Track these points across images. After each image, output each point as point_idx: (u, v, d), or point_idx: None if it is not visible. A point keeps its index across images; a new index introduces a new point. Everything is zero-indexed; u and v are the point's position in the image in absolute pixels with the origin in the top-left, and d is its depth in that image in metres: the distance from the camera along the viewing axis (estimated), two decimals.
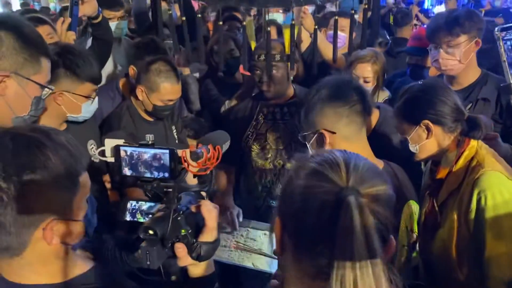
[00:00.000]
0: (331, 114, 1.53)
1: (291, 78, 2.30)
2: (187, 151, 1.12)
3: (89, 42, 2.58)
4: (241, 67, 2.93)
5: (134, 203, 1.20)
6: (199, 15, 1.76)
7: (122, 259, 1.36)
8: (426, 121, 1.56)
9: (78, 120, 1.89)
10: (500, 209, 1.43)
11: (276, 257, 1.94)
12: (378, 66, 2.46)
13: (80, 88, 1.81)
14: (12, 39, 1.31)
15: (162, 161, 1.12)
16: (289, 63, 2.07)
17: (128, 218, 1.21)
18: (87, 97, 1.83)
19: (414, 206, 1.57)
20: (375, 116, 2.13)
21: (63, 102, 1.79)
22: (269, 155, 2.26)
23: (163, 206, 1.13)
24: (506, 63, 1.63)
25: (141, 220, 1.21)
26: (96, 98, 1.90)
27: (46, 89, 1.43)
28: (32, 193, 0.88)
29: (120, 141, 1.17)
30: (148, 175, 1.14)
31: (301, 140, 1.66)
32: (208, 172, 1.11)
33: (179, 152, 1.11)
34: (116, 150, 1.15)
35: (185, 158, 1.11)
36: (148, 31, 2.90)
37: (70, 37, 2.17)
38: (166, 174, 1.13)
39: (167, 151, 1.11)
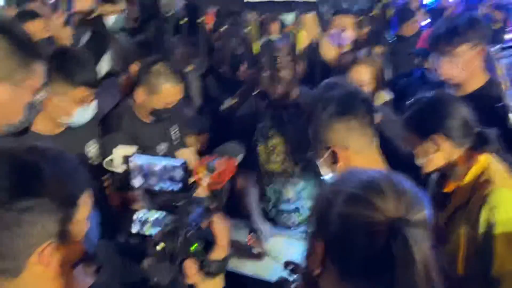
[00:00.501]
0: (342, 129, 1.48)
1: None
2: (201, 163, 1.09)
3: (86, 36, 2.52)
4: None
5: (141, 214, 1.17)
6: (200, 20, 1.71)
7: (127, 269, 1.33)
8: (435, 136, 1.53)
9: (74, 125, 1.83)
10: (509, 226, 1.42)
11: (278, 262, 1.93)
12: (375, 68, 2.43)
13: (72, 92, 1.74)
14: (4, 43, 1.26)
15: (173, 173, 1.09)
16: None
17: (135, 230, 1.18)
18: (79, 102, 1.77)
19: None
20: None
21: (55, 105, 1.74)
22: (278, 158, 2.23)
23: (172, 218, 1.11)
24: (503, 83, 1.59)
25: (149, 232, 1.18)
26: (93, 103, 1.83)
27: (39, 94, 1.38)
28: (28, 219, 0.85)
29: (131, 151, 1.14)
30: (158, 186, 1.11)
31: (311, 159, 1.62)
32: (222, 186, 1.09)
33: (192, 164, 1.08)
34: (126, 160, 1.12)
35: (197, 171, 1.09)
36: (150, 20, 2.86)
37: (66, 33, 2.11)
38: (178, 187, 1.10)
39: (180, 163, 1.09)
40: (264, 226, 2.15)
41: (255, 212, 2.18)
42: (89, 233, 1.00)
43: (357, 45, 2.69)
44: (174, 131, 2.33)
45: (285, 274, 1.78)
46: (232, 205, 2.27)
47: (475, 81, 2.09)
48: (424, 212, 0.83)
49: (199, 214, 1.12)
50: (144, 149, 2.12)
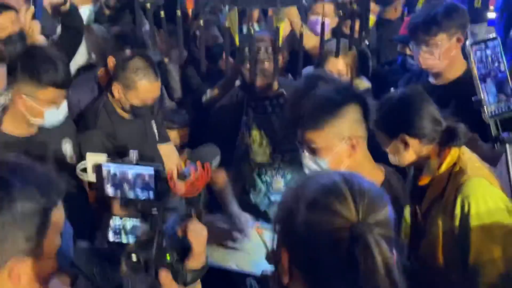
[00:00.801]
0: (356, 117, 1.50)
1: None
2: (174, 170, 1.07)
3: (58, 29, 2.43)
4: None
5: (117, 220, 1.14)
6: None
7: (105, 275, 1.32)
8: (403, 135, 1.55)
9: (45, 126, 1.77)
10: (484, 216, 1.43)
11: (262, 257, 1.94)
12: (350, 58, 2.42)
13: (41, 93, 1.68)
14: None
15: (147, 181, 1.07)
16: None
17: (111, 237, 1.16)
18: (50, 102, 1.70)
19: (405, 211, 1.59)
20: None
21: (24, 106, 1.68)
22: (267, 151, 2.23)
23: (147, 226, 1.09)
24: (477, 77, 1.58)
25: (125, 240, 1.16)
26: (64, 104, 1.77)
27: (2, 96, 1.35)
28: None
29: (103, 158, 1.11)
30: (132, 195, 1.09)
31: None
32: (197, 193, 1.07)
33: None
34: (97, 168, 1.09)
35: (171, 177, 1.06)
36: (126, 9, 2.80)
37: (35, 28, 2.03)
38: (151, 195, 1.08)
39: (152, 170, 1.06)
40: (244, 215, 2.14)
41: (233, 202, 2.18)
42: (62, 247, 0.98)
43: (338, 33, 2.66)
44: (154, 126, 2.29)
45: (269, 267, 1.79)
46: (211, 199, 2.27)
47: (455, 69, 2.09)
48: (383, 211, 0.84)
49: (174, 222, 1.10)
50: (122, 146, 2.09)
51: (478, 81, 1.57)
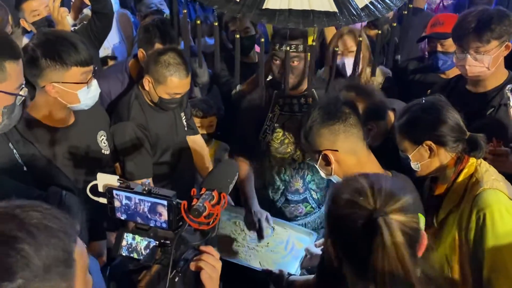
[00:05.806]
0: (327, 134, 1.46)
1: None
2: (186, 204, 0.94)
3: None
4: (257, 47, 2.67)
5: (130, 239, 1.03)
6: None
7: None
8: (429, 142, 1.47)
9: (83, 109, 1.64)
10: (499, 229, 1.34)
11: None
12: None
13: (68, 75, 1.54)
14: None
15: (159, 211, 0.95)
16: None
17: (124, 253, 1.05)
18: (80, 83, 1.56)
19: (420, 219, 1.46)
20: (390, 119, 1.92)
21: (57, 93, 1.55)
22: (288, 149, 2.08)
23: (160, 254, 0.97)
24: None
25: (137, 257, 1.04)
26: (94, 82, 1.62)
27: (19, 95, 1.22)
28: None
29: (114, 179, 0.98)
30: (144, 222, 0.97)
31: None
32: (212, 225, 0.94)
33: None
34: (109, 192, 0.97)
35: (185, 210, 0.94)
36: None
37: (63, 14, 1.89)
38: (164, 225, 0.96)
39: (165, 202, 0.93)
40: (262, 212, 2.01)
41: (254, 199, 2.06)
42: (95, 283, 0.85)
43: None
44: (183, 118, 2.15)
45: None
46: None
47: (496, 78, 1.88)
48: (401, 200, 0.93)
49: (188, 252, 0.98)
50: (155, 136, 1.98)
51: None
